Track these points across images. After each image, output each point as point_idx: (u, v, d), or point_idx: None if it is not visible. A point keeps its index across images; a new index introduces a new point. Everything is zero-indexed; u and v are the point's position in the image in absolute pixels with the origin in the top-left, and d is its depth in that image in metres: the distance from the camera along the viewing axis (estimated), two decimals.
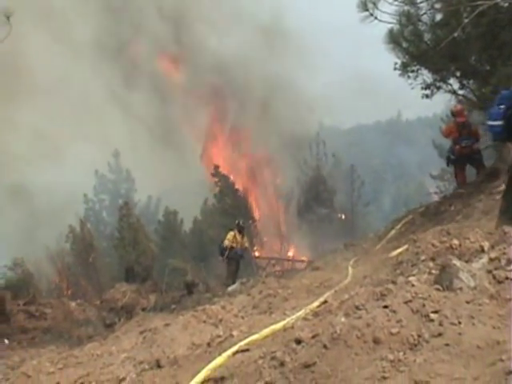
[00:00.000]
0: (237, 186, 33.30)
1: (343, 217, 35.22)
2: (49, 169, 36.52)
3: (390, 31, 14.06)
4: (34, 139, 36.27)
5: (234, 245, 16.97)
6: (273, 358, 4.42)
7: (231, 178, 33.01)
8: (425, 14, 13.06)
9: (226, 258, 17.14)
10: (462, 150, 12.63)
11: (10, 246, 25.89)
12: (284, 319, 5.88)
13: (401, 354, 3.59)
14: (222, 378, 4.73)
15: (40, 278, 23.96)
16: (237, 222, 17.74)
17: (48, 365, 7.65)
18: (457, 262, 4.76)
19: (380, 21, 10.06)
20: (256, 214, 34.11)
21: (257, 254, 29.64)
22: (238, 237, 17.04)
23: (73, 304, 17.73)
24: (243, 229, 17.44)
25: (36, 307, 16.73)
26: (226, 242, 17.06)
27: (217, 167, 32.56)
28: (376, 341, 3.86)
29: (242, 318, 7.43)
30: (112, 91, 45.23)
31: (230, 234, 17.15)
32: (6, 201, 28.43)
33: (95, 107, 48.13)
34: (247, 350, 5.16)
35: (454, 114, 13.16)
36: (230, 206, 31.09)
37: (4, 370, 8.20)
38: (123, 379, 5.59)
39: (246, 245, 17.55)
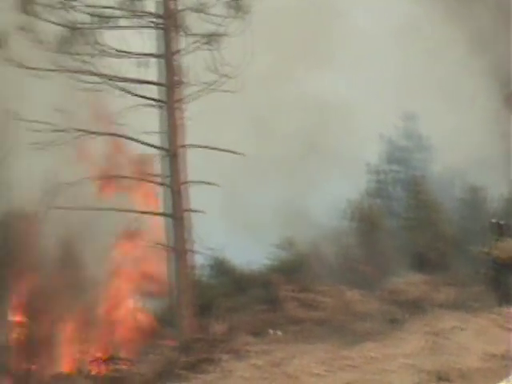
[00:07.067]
0: None
1: None
2: None
3: None
4: None
5: None
6: None
7: None
8: None
9: None
10: None
11: (271, 220, 27.07)
12: None
13: None
14: None
15: (315, 260, 24.88)
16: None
17: (313, 365, 7.84)
18: None
19: None
20: None
21: None
22: None
23: (351, 293, 18.03)
24: None
25: (310, 295, 17.40)
26: None
27: None
28: None
29: None
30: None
31: None
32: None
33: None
34: None
35: None
36: None
37: (265, 368, 8.66)
38: None
39: None
